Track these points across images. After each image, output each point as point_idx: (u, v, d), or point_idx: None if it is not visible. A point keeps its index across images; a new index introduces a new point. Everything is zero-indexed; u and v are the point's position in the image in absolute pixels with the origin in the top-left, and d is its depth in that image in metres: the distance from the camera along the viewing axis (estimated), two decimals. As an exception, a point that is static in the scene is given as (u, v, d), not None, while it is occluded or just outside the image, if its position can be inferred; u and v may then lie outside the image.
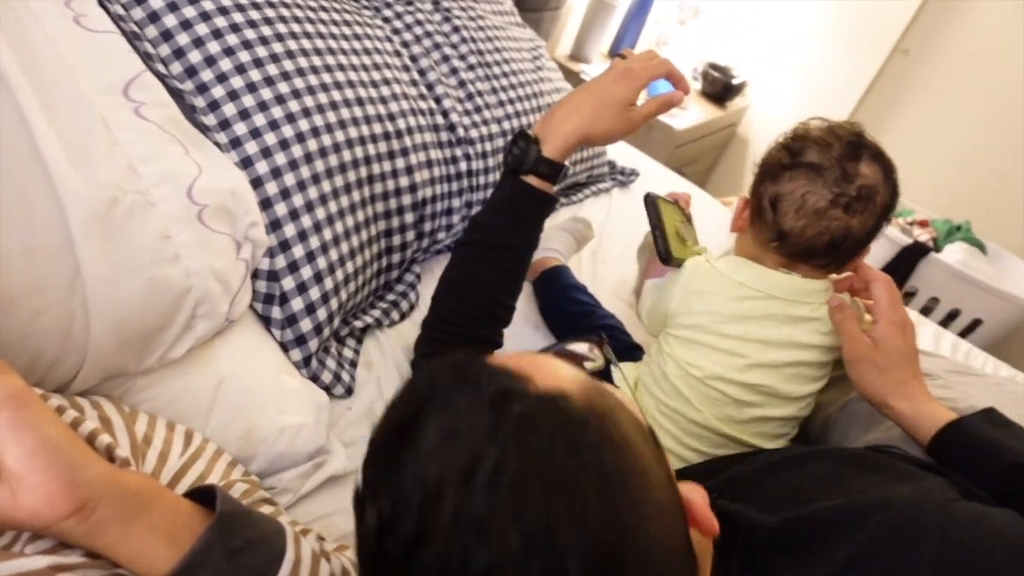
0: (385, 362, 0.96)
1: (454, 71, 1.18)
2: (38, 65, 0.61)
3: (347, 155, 0.92)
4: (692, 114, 2.35)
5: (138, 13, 0.83)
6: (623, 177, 1.64)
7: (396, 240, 1.03)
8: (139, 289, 0.62)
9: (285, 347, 0.84)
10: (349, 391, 0.89)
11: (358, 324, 0.97)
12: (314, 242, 0.86)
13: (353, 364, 0.93)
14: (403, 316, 1.05)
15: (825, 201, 0.77)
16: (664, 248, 0.86)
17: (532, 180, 0.80)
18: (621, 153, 1.73)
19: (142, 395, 0.67)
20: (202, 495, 0.52)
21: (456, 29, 1.22)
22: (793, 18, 2.49)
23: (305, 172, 0.86)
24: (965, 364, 1.02)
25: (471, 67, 1.21)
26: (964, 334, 2.10)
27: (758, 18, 2.56)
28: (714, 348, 0.84)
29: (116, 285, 0.60)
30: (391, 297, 1.06)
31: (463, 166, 1.12)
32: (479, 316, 0.86)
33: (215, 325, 0.72)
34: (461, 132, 1.12)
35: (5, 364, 0.44)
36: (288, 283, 0.84)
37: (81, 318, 0.58)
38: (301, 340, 0.84)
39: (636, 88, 0.81)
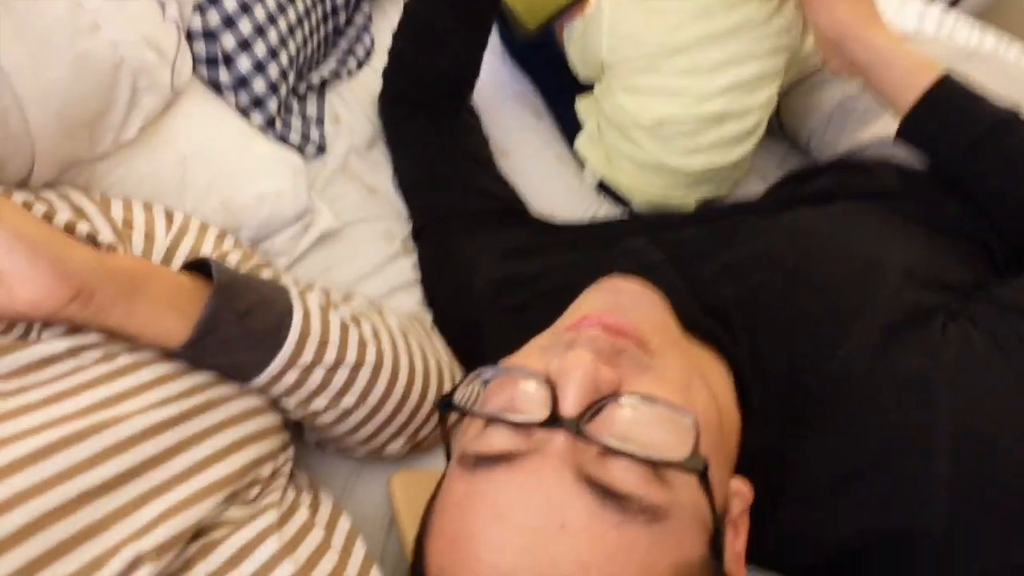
0: (352, 113, 0.92)
1: None
2: None
3: None
4: None
5: None
6: None
7: (336, -24, 0.93)
8: (67, 68, 0.57)
9: (244, 112, 0.80)
10: (321, 149, 0.86)
11: (315, 78, 0.91)
12: (245, -11, 0.77)
13: (320, 121, 0.89)
14: (360, 64, 0.98)
15: None
16: (516, 27, 0.83)
17: None
18: None
19: (105, 182, 0.65)
20: (197, 269, 0.52)
21: None
22: None
23: (213, -97, 0.74)
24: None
25: None
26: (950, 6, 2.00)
27: None
28: (660, 90, 0.80)
29: (40, 67, 0.55)
30: (344, 44, 0.98)
31: None
32: (438, 94, 0.84)
33: (161, 97, 0.67)
34: None
35: None
36: (228, 41, 0.76)
37: (14, 110, 0.54)
38: (258, 102, 0.79)
39: None
